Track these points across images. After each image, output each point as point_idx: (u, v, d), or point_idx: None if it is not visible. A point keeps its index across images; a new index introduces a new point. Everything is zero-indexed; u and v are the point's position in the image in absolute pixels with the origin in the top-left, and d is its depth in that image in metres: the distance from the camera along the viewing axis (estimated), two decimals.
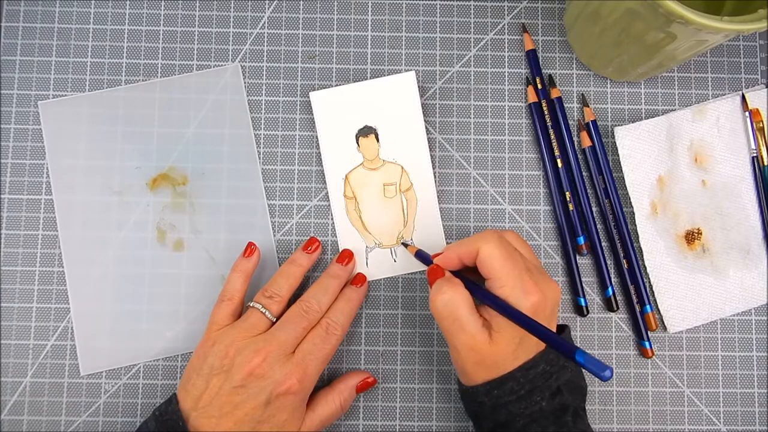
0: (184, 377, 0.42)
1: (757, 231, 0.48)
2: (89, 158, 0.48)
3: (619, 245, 0.47)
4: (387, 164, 0.48)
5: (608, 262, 0.48)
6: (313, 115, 0.49)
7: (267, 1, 0.50)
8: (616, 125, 0.48)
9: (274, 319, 0.43)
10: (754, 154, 0.48)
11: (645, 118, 0.49)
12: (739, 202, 0.48)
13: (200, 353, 0.41)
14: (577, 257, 0.48)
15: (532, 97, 0.48)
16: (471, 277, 0.41)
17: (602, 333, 0.48)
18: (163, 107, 0.49)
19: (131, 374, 0.47)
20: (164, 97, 0.49)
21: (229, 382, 0.40)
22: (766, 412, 0.47)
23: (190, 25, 0.49)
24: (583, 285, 0.48)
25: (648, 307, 0.47)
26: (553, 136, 0.48)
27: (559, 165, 0.48)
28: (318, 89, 0.49)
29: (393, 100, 0.48)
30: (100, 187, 0.48)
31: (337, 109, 0.48)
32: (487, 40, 0.50)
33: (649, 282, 0.48)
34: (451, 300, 0.39)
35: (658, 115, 0.49)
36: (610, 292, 0.47)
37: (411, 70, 0.49)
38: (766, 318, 0.48)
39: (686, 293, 0.47)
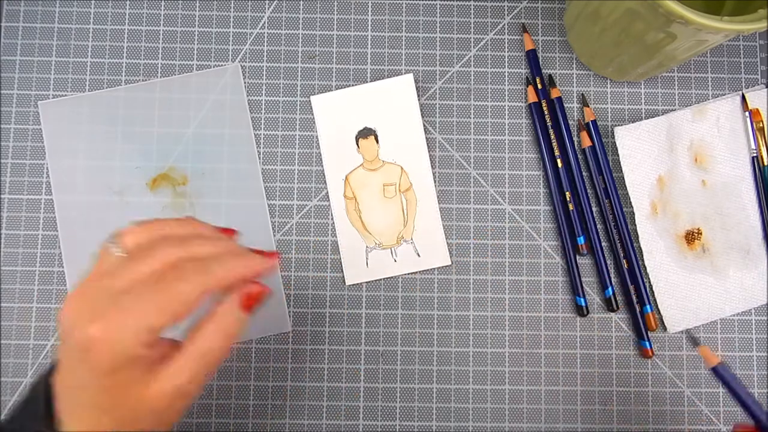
0: None
1: (757, 231, 0.48)
2: (89, 158, 0.48)
3: (619, 245, 0.47)
4: (387, 165, 0.48)
5: (608, 262, 0.48)
6: (313, 115, 0.49)
7: (267, 1, 0.50)
8: (616, 125, 0.48)
9: None
10: (754, 154, 0.48)
11: (645, 118, 0.49)
12: (739, 202, 0.48)
13: None
14: (577, 257, 0.48)
15: (532, 97, 0.48)
16: None
17: (602, 333, 0.48)
18: (163, 107, 0.49)
19: None
20: (164, 97, 0.49)
21: None
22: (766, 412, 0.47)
23: (190, 25, 0.49)
24: (583, 285, 0.48)
25: (648, 307, 0.47)
26: (553, 136, 0.48)
27: (559, 165, 0.48)
28: (318, 89, 0.49)
29: (392, 102, 0.48)
30: (100, 187, 0.48)
31: (337, 112, 0.48)
32: (487, 40, 0.50)
33: (649, 282, 0.48)
34: None
35: (658, 115, 0.49)
36: (610, 292, 0.47)
37: (410, 71, 0.49)
38: (766, 318, 0.48)
39: (686, 293, 0.47)
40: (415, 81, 0.49)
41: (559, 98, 0.48)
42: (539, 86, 0.49)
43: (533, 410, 0.47)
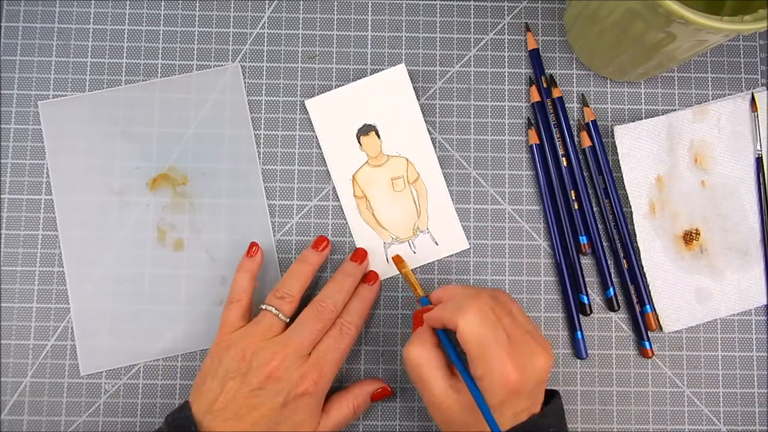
0: (198, 380, 0.42)
1: (756, 233, 0.48)
2: (89, 158, 0.48)
3: (619, 245, 0.47)
4: (392, 159, 0.48)
5: (608, 262, 0.48)
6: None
7: (267, 1, 0.50)
8: (615, 125, 0.48)
9: (288, 320, 0.43)
10: (759, 155, 0.48)
11: (645, 118, 0.49)
12: (738, 204, 0.48)
13: (215, 356, 0.42)
14: (580, 257, 0.48)
15: (536, 97, 0.48)
16: None
17: (602, 333, 0.48)
18: (163, 107, 0.49)
19: (131, 374, 0.47)
20: (164, 97, 0.49)
21: (246, 385, 0.40)
22: (766, 412, 0.47)
23: (190, 25, 0.49)
24: (586, 284, 0.48)
25: (648, 307, 0.47)
26: (557, 136, 0.48)
27: (564, 164, 0.48)
28: (318, 89, 0.49)
29: (388, 95, 0.48)
30: (100, 187, 0.48)
31: (334, 113, 0.48)
32: (487, 40, 0.50)
33: (647, 281, 0.48)
34: (418, 358, 0.39)
35: (658, 115, 0.49)
36: (612, 293, 0.47)
37: (410, 71, 0.49)
38: (765, 318, 0.48)
39: (682, 293, 0.47)
40: (415, 81, 0.49)
41: (560, 98, 0.48)
42: (544, 85, 0.48)
43: None
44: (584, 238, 0.47)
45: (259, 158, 0.49)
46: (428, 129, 0.49)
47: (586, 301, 0.47)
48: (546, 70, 0.49)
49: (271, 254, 0.48)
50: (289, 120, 0.49)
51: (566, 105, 0.49)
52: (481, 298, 0.38)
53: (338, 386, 0.46)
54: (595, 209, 0.48)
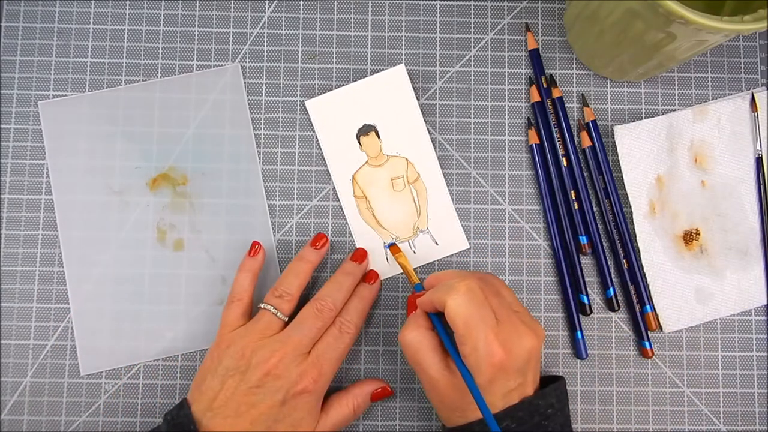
0: (198, 378, 0.42)
1: (756, 233, 0.48)
2: (89, 158, 0.48)
3: (619, 245, 0.47)
4: (391, 159, 0.48)
5: (608, 262, 0.48)
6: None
7: (267, 1, 0.50)
8: (615, 125, 0.48)
9: (287, 319, 0.43)
10: (759, 155, 0.48)
11: (645, 118, 0.49)
12: (738, 204, 0.48)
13: (214, 355, 0.42)
14: (580, 257, 0.48)
15: (536, 97, 0.48)
16: None
17: (602, 333, 0.48)
18: (163, 107, 0.49)
19: (131, 374, 0.47)
20: (164, 97, 0.49)
21: (245, 383, 0.40)
22: (766, 412, 0.47)
23: (190, 25, 0.49)
24: (586, 284, 0.48)
25: (648, 307, 0.47)
26: (557, 136, 0.48)
27: (564, 164, 0.48)
28: (318, 89, 0.49)
29: (387, 95, 0.48)
30: (100, 187, 0.48)
31: (334, 113, 0.48)
32: (487, 40, 0.50)
33: (647, 281, 0.48)
34: (413, 341, 0.39)
35: (658, 115, 0.49)
36: (612, 293, 0.47)
37: (410, 71, 0.49)
38: (765, 318, 0.48)
39: (682, 293, 0.47)
40: (415, 81, 0.49)
41: (560, 98, 0.48)
42: (544, 85, 0.48)
43: None
44: (584, 238, 0.47)
45: (259, 158, 0.49)
46: (428, 129, 0.49)
47: (586, 301, 0.47)
48: (546, 70, 0.49)
49: (271, 254, 0.48)
50: (289, 120, 0.49)
51: (566, 105, 0.49)
52: (469, 279, 0.38)
53: (338, 386, 0.46)
54: (595, 209, 0.48)
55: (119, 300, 0.47)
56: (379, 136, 0.48)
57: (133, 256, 0.47)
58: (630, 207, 0.48)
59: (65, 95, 0.49)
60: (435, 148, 0.49)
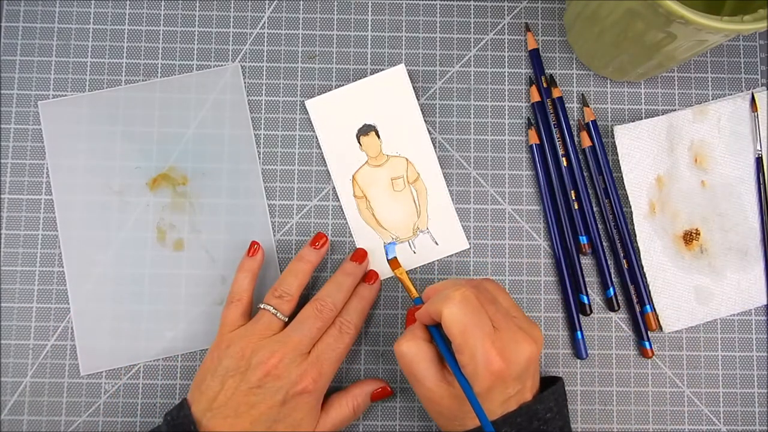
0: (198, 378, 0.42)
1: (756, 233, 0.48)
2: (89, 158, 0.48)
3: (619, 245, 0.47)
4: (391, 158, 0.48)
5: (608, 262, 0.48)
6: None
7: (267, 1, 0.50)
8: (615, 125, 0.48)
9: (286, 319, 0.43)
10: (759, 155, 0.48)
11: (645, 118, 0.49)
12: (738, 204, 0.48)
13: (214, 355, 0.42)
14: (580, 257, 0.48)
15: (536, 97, 0.48)
16: None
17: (602, 333, 0.48)
18: (163, 107, 0.49)
19: (131, 374, 0.47)
20: (164, 97, 0.49)
21: (245, 383, 0.40)
22: (766, 412, 0.47)
23: (190, 25, 0.49)
24: (587, 285, 0.48)
25: (648, 307, 0.47)
26: (557, 136, 0.48)
27: (564, 164, 0.48)
28: (318, 89, 0.49)
29: (387, 95, 0.48)
30: (100, 187, 0.48)
31: (334, 113, 0.48)
32: (487, 40, 0.50)
33: (647, 281, 0.48)
34: (408, 352, 0.39)
35: (658, 115, 0.49)
36: (612, 293, 0.47)
37: (410, 71, 0.49)
38: (765, 318, 0.48)
39: (682, 293, 0.47)
40: (415, 81, 0.49)
41: (560, 98, 0.48)
42: (544, 85, 0.48)
43: None
44: (584, 238, 0.47)
45: (259, 158, 0.49)
46: (428, 129, 0.49)
47: (586, 301, 0.47)
48: (546, 70, 0.49)
49: (271, 254, 0.48)
50: (289, 120, 0.49)
51: (566, 105, 0.49)
52: (464, 288, 0.38)
53: (338, 386, 0.46)
54: (595, 209, 0.48)
55: (119, 300, 0.47)
56: (379, 136, 0.48)
57: (133, 256, 0.47)
58: (630, 207, 0.48)
59: (65, 95, 0.49)
60: (435, 148, 0.49)
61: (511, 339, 0.37)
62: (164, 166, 0.48)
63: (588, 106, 0.49)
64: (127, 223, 0.48)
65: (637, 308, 0.47)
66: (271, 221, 0.48)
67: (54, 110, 0.48)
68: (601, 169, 0.48)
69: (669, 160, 0.48)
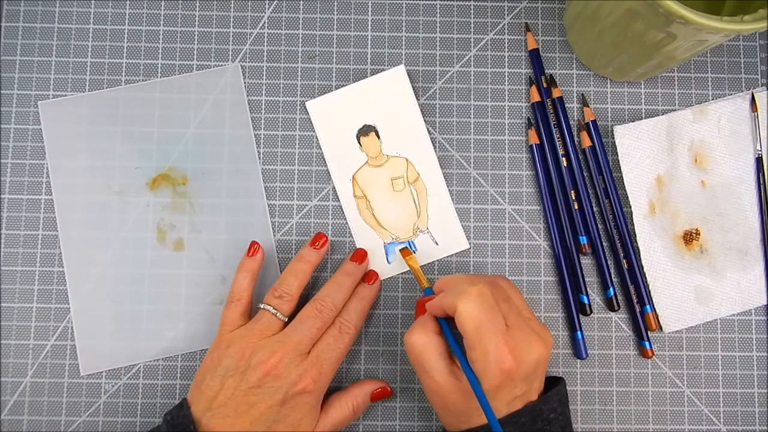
0: (197, 378, 0.42)
1: (756, 233, 0.48)
2: (89, 158, 0.48)
3: (619, 245, 0.47)
4: (391, 159, 0.48)
5: (608, 262, 0.48)
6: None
7: (267, 1, 0.50)
8: (615, 125, 0.48)
9: (286, 320, 0.43)
10: (759, 155, 0.48)
11: (645, 118, 0.49)
12: (738, 204, 0.48)
13: (214, 355, 0.42)
14: (580, 257, 0.48)
15: (536, 97, 0.48)
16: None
17: (602, 333, 0.48)
18: (163, 107, 0.49)
19: (131, 374, 0.47)
20: (164, 97, 0.49)
21: (244, 383, 0.40)
22: (766, 412, 0.47)
23: (190, 25, 0.49)
24: (587, 285, 0.48)
25: (648, 307, 0.47)
26: (557, 136, 0.48)
27: (564, 164, 0.48)
28: (318, 89, 0.49)
29: (387, 95, 0.48)
30: (100, 187, 0.48)
31: (334, 114, 0.48)
32: (487, 40, 0.50)
33: (647, 281, 0.48)
34: (418, 343, 0.39)
35: (658, 115, 0.49)
36: (612, 293, 0.47)
37: (410, 71, 0.49)
38: (765, 318, 0.48)
39: (682, 293, 0.47)
40: (415, 81, 0.49)
41: (560, 98, 0.48)
42: (544, 85, 0.48)
43: None
44: (584, 238, 0.47)
45: (259, 158, 0.49)
46: (428, 129, 0.49)
47: (586, 301, 0.47)
48: (546, 70, 0.49)
49: (271, 254, 0.48)
50: (289, 120, 0.49)
51: (566, 105, 0.49)
52: (480, 283, 0.38)
53: (338, 386, 0.46)
54: (595, 209, 0.48)
55: (119, 300, 0.47)
56: (379, 137, 0.48)
57: (133, 256, 0.47)
58: (630, 207, 0.48)
59: (65, 95, 0.49)
60: (435, 148, 0.49)
61: (523, 339, 0.37)
62: (164, 166, 0.48)
63: (588, 106, 0.49)
64: (127, 223, 0.48)
65: (637, 308, 0.47)
66: (271, 221, 0.48)
67: (54, 110, 0.48)
68: (601, 169, 0.48)
69: (669, 160, 0.48)
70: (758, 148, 0.48)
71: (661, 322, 0.47)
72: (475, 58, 0.50)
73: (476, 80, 0.49)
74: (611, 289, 0.47)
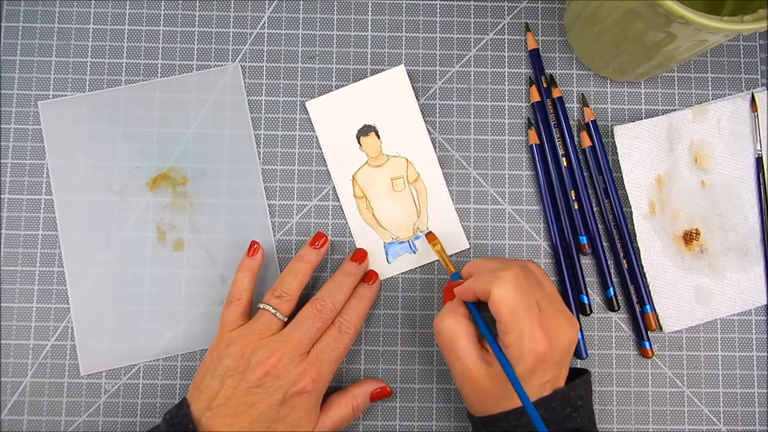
0: (197, 378, 0.42)
1: (756, 233, 0.48)
2: (89, 158, 0.48)
3: (619, 245, 0.47)
4: (391, 159, 0.48)
5: (608, 262, 0.48)
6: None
7: (267, 1, 0.50)
8: (615, 125, 0.48)
9: (286, 319, 0.43)
10: (759, 155, 0.48)
11: (645, 118, 0.49)
12: (738, 204, 0.48)
13: (214, 354, 0.42)
14: (580, 257, 0.48)
15: (536, 97, 0.48)
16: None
17: (602, 333, 0.48)
18: (163, 107, 0.49)
19: (131, 374, 0.47)
20: (164, 97, 0.49)
21: (244, 382, 0.40)
22: (766, 412, 0.47)
23: (190, 25, 0.49)
24: (587, 285, 0.48)
25: (648, 307, 0.47)
26: (557, 136, 0.48)
27: (564, 164, 0.48)
28: (318, 89, 0.49)
29: (387, 95, 0.48)
30: (100, 187, 0.48)
31: (334, 114, 0.48)
32: (487, 40, 0.50)
33: (647, 281, 0.48)
34: (449, 329, 0.39)
35: (658, 115, 0.49)
36: (612, 293, 0.47)
37: (410, 71, 0.49)
38: (765, 318, 0.48)
39: (682, 293, 0.47)
40: (415, 81, 0.49)
41: (560, 98, 0.48)
42: (544, 85, 0.48)
43: None
44: (584, 238, 0.47)
45: (259, 158, 0.49)
46: (428, 129, 0.49)
47: (586, 301, 0.47)
48: (546, 70, 0.49)
49: (271, 254, 0.48)
50: (289, 120, 0.49)
51: (566, 105, 0.49)
52: (513, 268, 0.38)
53: (338, 386, 0.46)
54: (595, 209, 0.48)
55: (119, 300, 0.47)
56: (379, 137, 0.48)
57: (133, 256, 0.47)
58: (630, 207, 0.48)
59: (65, 95, 0.49)
60: (435, 148, 0.49)
61: (554, 322, 0.38)
62: (164, 166, 0.48)
63: (588, 106, 0.49)
64: (127, 223, 0.48)
65: (637, 308, 0.47)
66: (271, 221, 0.48)
67: (54, 110, 0.48)
68: (601, 169, 0.48)
69: (669, 160, 0.48)
70: (758, 148, 0.48)
71: (661, 322, 0.47)
72: (475, 58, 0.50)
73: (476, 80, 0.49)
74: (611, 289, 0.47)
